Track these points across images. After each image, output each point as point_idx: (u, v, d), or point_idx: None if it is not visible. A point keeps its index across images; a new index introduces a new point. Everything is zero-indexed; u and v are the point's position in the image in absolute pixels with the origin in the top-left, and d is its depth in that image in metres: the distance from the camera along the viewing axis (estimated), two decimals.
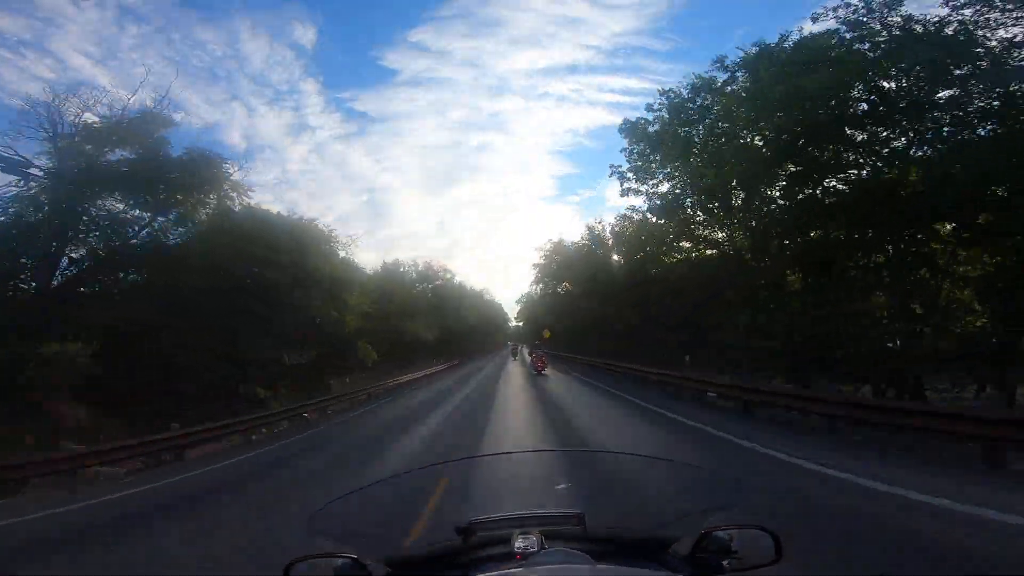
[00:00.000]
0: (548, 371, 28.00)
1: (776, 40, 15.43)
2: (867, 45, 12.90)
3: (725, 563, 1.18)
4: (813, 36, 14.16)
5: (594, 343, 37.36)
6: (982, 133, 11.81)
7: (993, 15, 11.12)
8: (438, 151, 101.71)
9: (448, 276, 55.95)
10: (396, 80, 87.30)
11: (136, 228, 17.87)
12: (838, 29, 13.41)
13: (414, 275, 53.21)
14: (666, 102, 19.76)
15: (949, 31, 11.53)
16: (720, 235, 20.39)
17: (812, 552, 3.64)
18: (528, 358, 42.25)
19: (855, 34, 13.09)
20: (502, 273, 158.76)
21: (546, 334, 50.70)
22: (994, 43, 11.25)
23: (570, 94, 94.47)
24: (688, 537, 1.25)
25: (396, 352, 37.82)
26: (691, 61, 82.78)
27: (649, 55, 79.52)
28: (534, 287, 52.62)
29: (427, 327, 41.37)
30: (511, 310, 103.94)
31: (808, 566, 3.31)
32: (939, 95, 12.26)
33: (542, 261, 48.24)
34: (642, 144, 20.72)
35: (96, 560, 5.24)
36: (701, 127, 19.43)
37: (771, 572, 1.21)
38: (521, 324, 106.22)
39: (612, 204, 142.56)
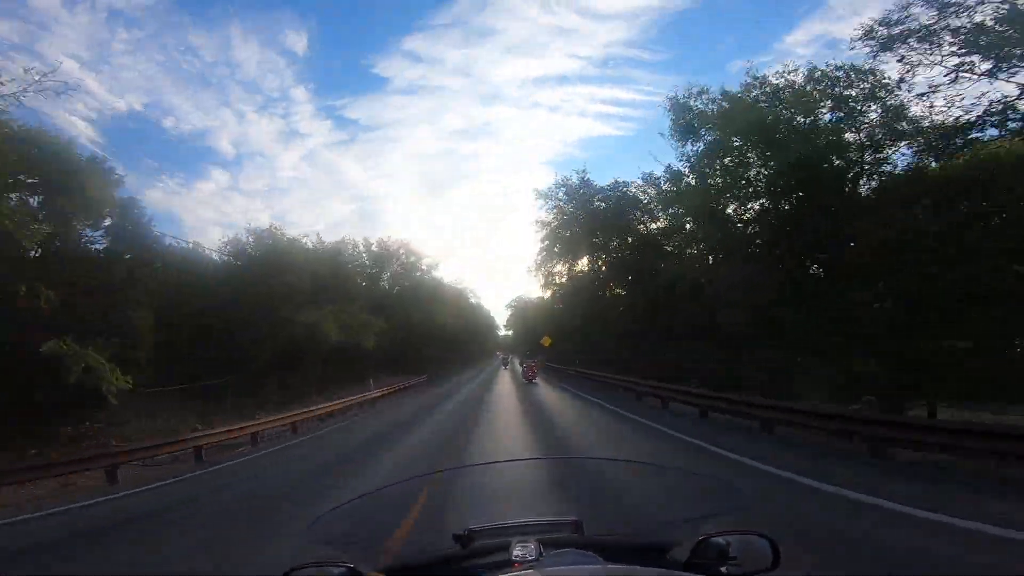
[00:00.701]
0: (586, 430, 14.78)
1: None
2: None
3: (723, 569, 1.15)
4: None
5: (640, 353, 22.80)
6: None
7: None
8: (430, 159, 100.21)
9: (412, 260, 41.21)
10: (388, 88, 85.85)
11: None
12: None
13: (366, 259, 38.87)
14: None
15: None
16: None
17: None
18: (519, 367, 36.60)
19: None
20: (493, 282, 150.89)
21: (546, 341, 37.49)
22: None
23: (561, 104, 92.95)
24: (686, 543, 1.22)
25: (297, 364, 23.35)
26: (681, 72, 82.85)
27: (639, 66, 78.66)
28: (535, 271, 34.29)
29: (364, 328, 26.76)
30: (499, 317, 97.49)
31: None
32: None
33: (550, 219, 30.28)
34: None
35: None
36: None
37: None
38: (511, 333, 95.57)
39: None
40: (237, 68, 68.70)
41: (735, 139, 15.84)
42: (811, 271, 14.96)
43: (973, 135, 11.64)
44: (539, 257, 33.36)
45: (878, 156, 14.07)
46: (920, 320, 11.10)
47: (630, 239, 27.10)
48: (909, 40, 11.79)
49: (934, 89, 11.86)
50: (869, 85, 13.57)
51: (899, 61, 12.25)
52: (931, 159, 12.72)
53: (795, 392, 12.35)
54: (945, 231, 10.68)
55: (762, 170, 15.43)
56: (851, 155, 14.23)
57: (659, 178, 22.23)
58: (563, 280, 34.51)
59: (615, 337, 25.78)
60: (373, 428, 14.24)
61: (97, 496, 8.17)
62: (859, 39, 12.78)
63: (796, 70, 15.30)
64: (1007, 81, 10.81)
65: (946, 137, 11.90)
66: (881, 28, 12.26)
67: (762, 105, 15.31)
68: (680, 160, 18.92)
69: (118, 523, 6.59)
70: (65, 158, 12.77)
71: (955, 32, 11.04)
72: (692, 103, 17.92)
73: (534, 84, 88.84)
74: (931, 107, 12.31)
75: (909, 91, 12.66)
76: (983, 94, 11.21)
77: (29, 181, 12.13)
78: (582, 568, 1.04)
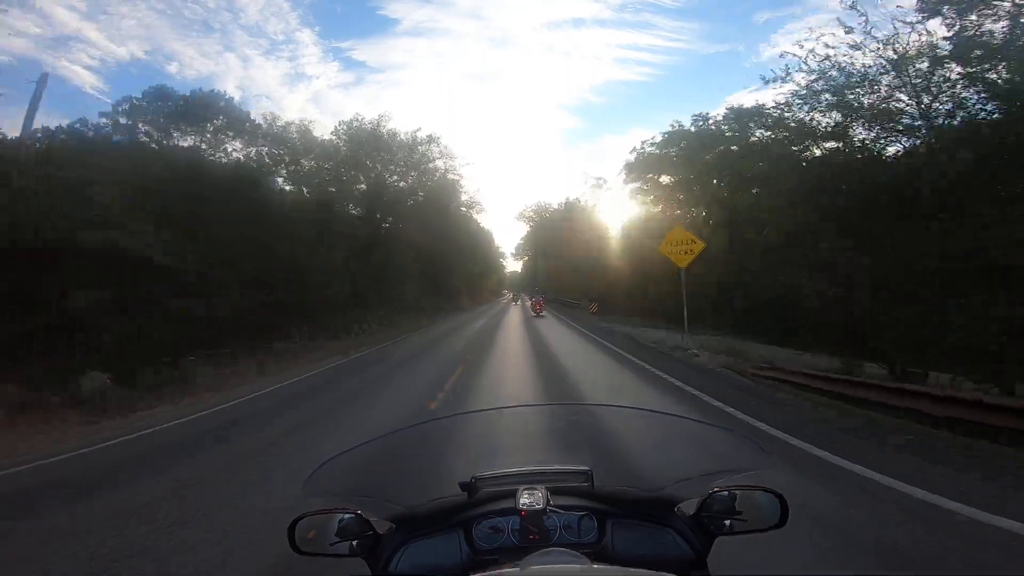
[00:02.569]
0: None
1: None
2: None
3: (727, 523, 1.17)
4: None
5: None
6: None
7: None
8: (439, 102, 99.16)
9: None
10: (396, 30, 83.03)
11: None
12: None
13: None
14: None
15: None
16: None
17: None
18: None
19: None
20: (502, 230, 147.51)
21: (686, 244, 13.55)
22: None
23: (575, 48, 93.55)
24: (695, 497, 1.22)
25: None
26: (702, 19, 79.50)
27: (659, 12, 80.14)
28: None
29: None
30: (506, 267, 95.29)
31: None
32: None
33: None
34: None
35: None
36: None
37: (775, 535, 1.15)
38: (522, 264, 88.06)
39: (614, 160, 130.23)
40: (240, 13, 65.79)
41: None
42: None
43: None
44: None
45: None
46: None
47: None
48: None
49: None
50: None
51: None
52: None
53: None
54: None
55: None
56: None
57: None
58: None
59: None
60: None
61: None
62: None
63: None
64: None
65: None
66: None
67: None
68: None
69: None
70: None
71: None
72: None
73: (547, 27, 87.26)
74: None
75: None
76: None
77: None
78: (565, 568, 1.03)
